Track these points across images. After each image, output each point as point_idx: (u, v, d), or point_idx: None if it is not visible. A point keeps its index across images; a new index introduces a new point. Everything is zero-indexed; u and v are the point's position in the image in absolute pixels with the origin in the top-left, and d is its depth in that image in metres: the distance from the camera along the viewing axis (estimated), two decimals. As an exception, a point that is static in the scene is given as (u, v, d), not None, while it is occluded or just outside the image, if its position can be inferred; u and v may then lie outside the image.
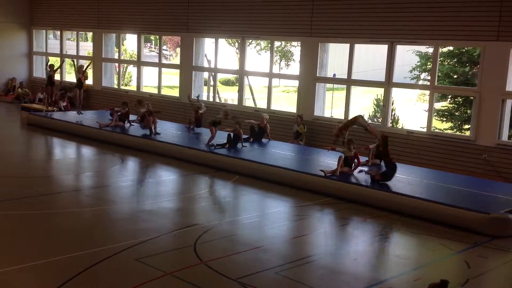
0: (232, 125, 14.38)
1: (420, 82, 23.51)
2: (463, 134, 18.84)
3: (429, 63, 20.77)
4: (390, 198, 10.30)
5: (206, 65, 21.30)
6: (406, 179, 11.53)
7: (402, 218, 9.84)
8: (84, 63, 22.91)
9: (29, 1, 24.81)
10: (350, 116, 15.95)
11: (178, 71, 20.18)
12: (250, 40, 24.19)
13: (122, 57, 27.21)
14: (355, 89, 19.05)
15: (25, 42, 25.03)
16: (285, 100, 31.21)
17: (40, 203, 9.81)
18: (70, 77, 27.33)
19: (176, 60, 31.05)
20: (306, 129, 15.69)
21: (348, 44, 15.60)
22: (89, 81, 23.15)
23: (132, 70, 32.81)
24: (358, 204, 10.54)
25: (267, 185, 11.75)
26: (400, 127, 20.67)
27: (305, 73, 16.48)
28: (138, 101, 16.40)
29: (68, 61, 26.23)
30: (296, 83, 17.87)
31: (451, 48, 20.71)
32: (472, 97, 14.75)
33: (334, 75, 18.35)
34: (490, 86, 13.12)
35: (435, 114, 20.20)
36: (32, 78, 25.08)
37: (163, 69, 21.54)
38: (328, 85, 18.82)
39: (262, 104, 21.48)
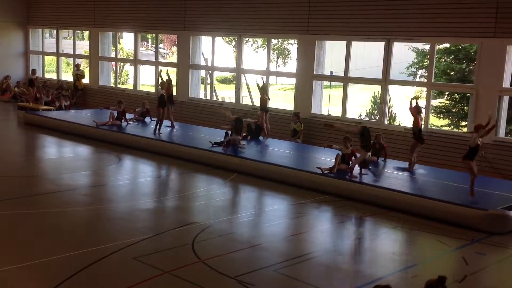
0: (230, 123, 14.39)
1: (417, 79, 23.51)
2: (460, 130, 18.85)
3: (426, 60, 20.78)
4: (387, 195, 10.30)
5: (203, 63, 21.24)
6: (403, 176, 11.55)
7: (399, 215, 9.85)
8: (80, 61, 22.88)
9: (25, 0, 24.75)
10: (347, 114, 16.01)
11: (175, 69, 20.15)
12: (247, 38, 24.16)
13: (118, 56, 27.20)
14: (352, 87, 19.05)
15: (22, 41, 24.97)
16: (282, 98, 31.17)
17: (37, 202, 9.79)
18: (66, 76, 27.30)
19: (173, 59, 30.98)
20: (303, 127, 15.68)
21: (345, 42, 15.62)
22: (86, 80, 23.16)
23: (128, 68, 32.75)
24: (356, 202, 10.55)
25: (265, 183, 11.74)
26: (397, 124, 20.68)
27: (302, 70, 16.47)
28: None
29: (64, 60, 26.14)
30: (293, 81, 17.86)
31: (448, 45, 20.72)
32: (469, 94, 14.76)
33: (331, 72, 18.33)
34: (487, 82, 13.13)
35: (432, 111, 20.22)
36: (28, 77, 24.98)
37: (160, 68, 21.48)
38: (325, 83, 18.83)
39: (259, 102, 21.44)
